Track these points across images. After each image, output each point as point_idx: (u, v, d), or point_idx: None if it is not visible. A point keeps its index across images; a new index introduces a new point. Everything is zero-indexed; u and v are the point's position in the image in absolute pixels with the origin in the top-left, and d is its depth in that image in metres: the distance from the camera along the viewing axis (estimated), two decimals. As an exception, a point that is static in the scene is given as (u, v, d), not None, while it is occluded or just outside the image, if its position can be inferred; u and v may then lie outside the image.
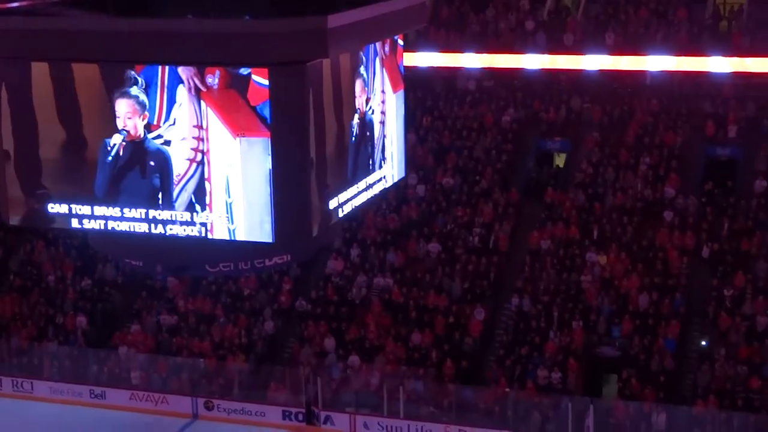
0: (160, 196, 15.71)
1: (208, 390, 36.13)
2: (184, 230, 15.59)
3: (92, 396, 36.52)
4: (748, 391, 32.52)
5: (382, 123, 17.44)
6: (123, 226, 15.96)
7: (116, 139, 15.72)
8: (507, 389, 33.98)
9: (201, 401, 35.71)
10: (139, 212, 15.83)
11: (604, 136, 40.99)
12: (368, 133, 17.01)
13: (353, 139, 16.47)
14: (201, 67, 14.84)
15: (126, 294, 39.89)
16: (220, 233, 15.44)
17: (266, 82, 14.34)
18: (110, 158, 15.81)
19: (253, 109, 14.66)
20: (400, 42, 18.35)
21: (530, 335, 35.28)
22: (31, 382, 37.10)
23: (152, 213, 15.78)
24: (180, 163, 15.53)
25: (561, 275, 36.73)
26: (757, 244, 36.29)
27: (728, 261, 36.07)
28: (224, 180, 15.20)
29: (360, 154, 16.78)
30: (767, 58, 39.29)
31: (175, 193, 15.55)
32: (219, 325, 37.75)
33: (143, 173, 15.75)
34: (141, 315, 38.81)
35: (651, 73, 41.57)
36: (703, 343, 34.53)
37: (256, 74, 14.44)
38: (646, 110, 41.37)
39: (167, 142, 15.56)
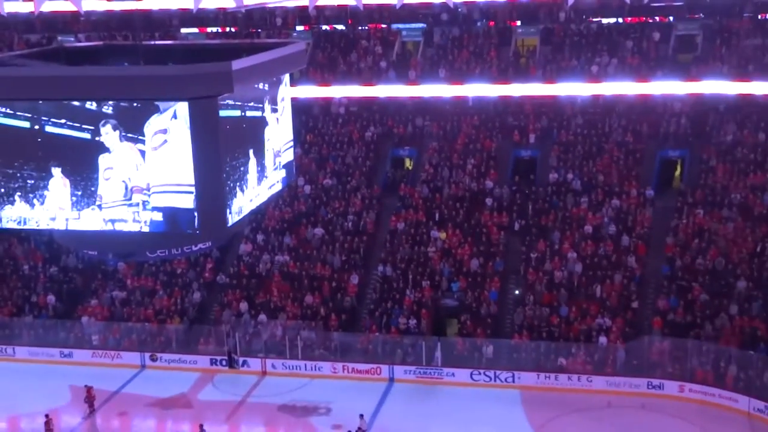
0: (115, 199, 15.28)
1: (152, 347, 35.57)
2: (129, 226, 15.23)
3: (62, 356, 35.68)
4: (550, 326, 33.35)
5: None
6: (80, 225, 15.48)
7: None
8: (377, 333, 34.23)
9: (147, 355, 35.19)
10: (92, 213, 15.36)
11: (440, 144, 41.45)
12: (267, 148, 16.87)
13: (257, 152, 16.33)
14: (137, 101, 14.46)
15: (85, 276, 38.86)
16: (157, 227, 15.15)
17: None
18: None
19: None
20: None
21: (392, 293, 35.55)
22: (13, 348, 36.06)
23: (103, 213, 15.34)
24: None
25: (413, 248, 37.06)
26: (552, 219, 37.16)
27: (533, 232, 36.87)
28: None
29: (261, 164, 16.63)
30: (554, 84, 40.30)
31: (124, 197, 15.18)
32: (159, 297, 37.09)
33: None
34: (98, 292, 37.87)
35: (472, 97, 42.19)
36: (517, 292, 35.20)
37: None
38: (470, 124, 41.99)
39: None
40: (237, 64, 14.00)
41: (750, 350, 30.59)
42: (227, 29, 46.98)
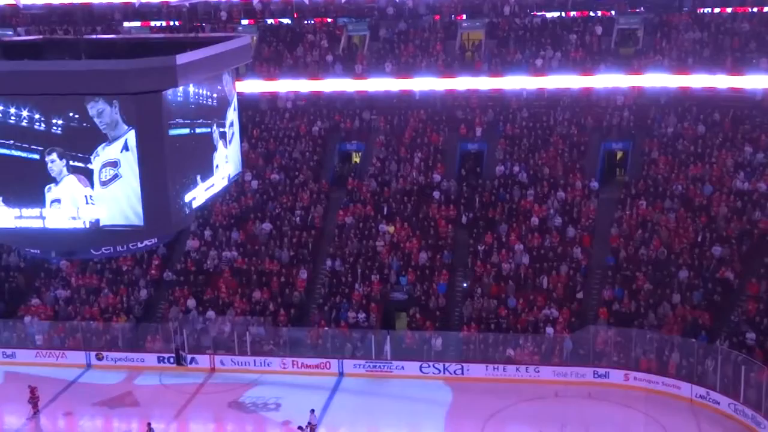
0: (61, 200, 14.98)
1: (98, 345, 35.04)
2: (73, 224, 14.96)
3: (5, 356, 34.98)
4: (498, 318, 33.62)
5: (222, 137, 17.13)
6: (22, 223, 15.17)
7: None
8: (326, 328, 34.18)
9: (93, 354, 34.65)
10: (34, 212, 15.06)
11: (387, 138, 41.48)
12: (213, 144, 16.70)
13: (202, 148, 16.13)
14: (82, 96, 14.16)
15: (28, 275, 38.10)
16: (103, 223, 14.90)
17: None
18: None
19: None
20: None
21: (341, 287, 35.52)
22: (-46, 349, 35.18)
23: (45, 212, 15.05)
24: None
25: (361, 242, 37.05)
26: (499, 212, 37.43)
27: (480, 225, 37.11)
28: (108, 183, 14.63)
29: (207, 159, 16.46)
30: (499, 78, 40.58)
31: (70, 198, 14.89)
32: (104, 295, 36.54)
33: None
34: (41, 291, 37.18)
35: (419, 91, 42.30)
36: (465, 285, 35.42)
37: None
38: (416, 118, 42.08)
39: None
40: (181, 59, 13.86)
41: (691, 338, 31.19)
42: (171, 23, 46.41)
